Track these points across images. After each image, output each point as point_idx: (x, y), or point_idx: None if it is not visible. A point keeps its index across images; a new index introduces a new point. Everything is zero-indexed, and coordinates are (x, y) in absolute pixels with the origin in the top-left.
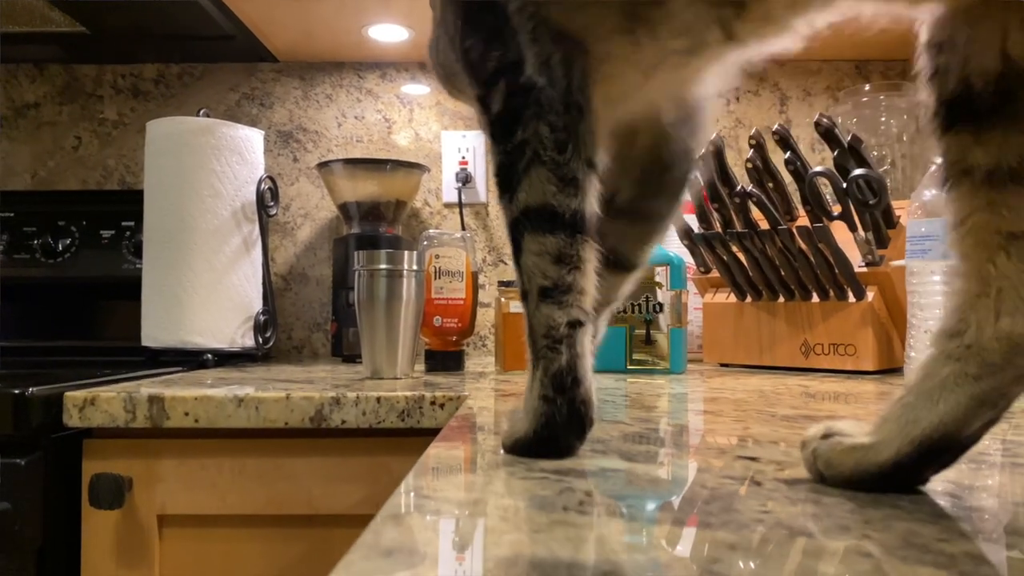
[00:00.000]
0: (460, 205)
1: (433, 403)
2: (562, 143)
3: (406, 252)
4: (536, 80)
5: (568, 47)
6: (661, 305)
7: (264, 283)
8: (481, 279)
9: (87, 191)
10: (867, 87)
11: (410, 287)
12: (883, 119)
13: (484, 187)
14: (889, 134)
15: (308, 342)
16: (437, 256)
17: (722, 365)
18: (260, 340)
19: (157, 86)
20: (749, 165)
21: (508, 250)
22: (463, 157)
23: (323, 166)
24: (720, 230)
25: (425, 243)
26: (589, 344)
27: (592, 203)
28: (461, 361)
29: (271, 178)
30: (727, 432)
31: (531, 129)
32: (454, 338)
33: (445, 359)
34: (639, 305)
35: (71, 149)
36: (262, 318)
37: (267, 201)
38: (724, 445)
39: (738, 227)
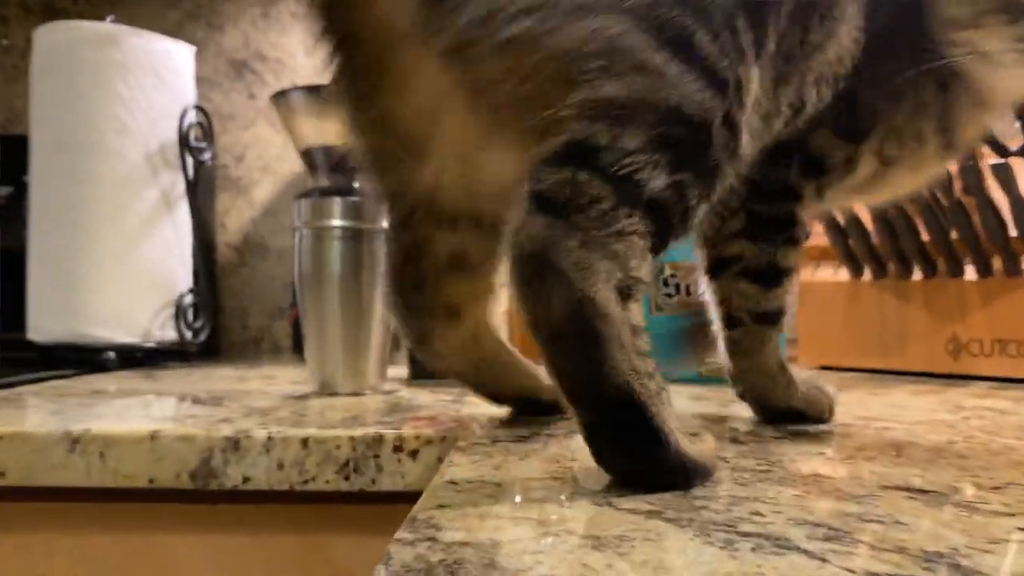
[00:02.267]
0: None
1: (398, 448)
2: None
3: (371, 204)
4: None
5: None
6: None
7: (195, 254)
8: None
9: None
10: None
11: (377, 255)
12: None
13: None
14: None
15: (268, 333)
16: None
17: (824, 368)
18: (186, 332)
19: (76, 3)
20: None
21: None
22: None
23: (279, 98)
24: None
25: None
26: None
27: None
28: None
29: (201, 109)
30: None
31: None
32: None
33: None
34: None
35: None
36: (189, 302)
37: (195, 140)
38: None
39: None
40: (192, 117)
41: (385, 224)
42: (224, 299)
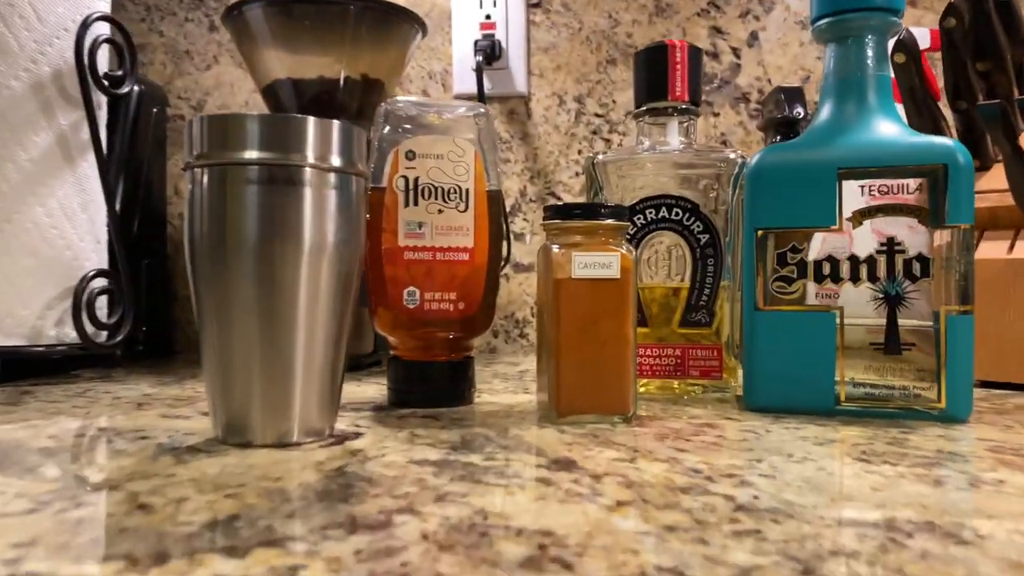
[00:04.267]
0: (481, 96)
1: None
2: None
3: (313, 123)
4: None
5: None
6: (925, 261)
7: (110, 224)
8: (518, 222)
9: None
10: None
11: (324, 211)
12: None
13: (523, 67)
14: None
15: None
16: (412, 154)
17: (983, 384)
18: (94, 330)
19: None
20: None
21: (566, 176)
22: (487, 17)
23: (233, 16)
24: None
25: (386, 125)
26: None
27: None
28: (465, 386)
29: (113, 20)
30: None
31: None
32: (451, 335)
33: (429, 380)
34: (867, 263)
35: None
36: (97, 287)
37: (103, 64)
38: None
39: None
40: (100, 31)
41: (338, 160)
42: (179, 286)
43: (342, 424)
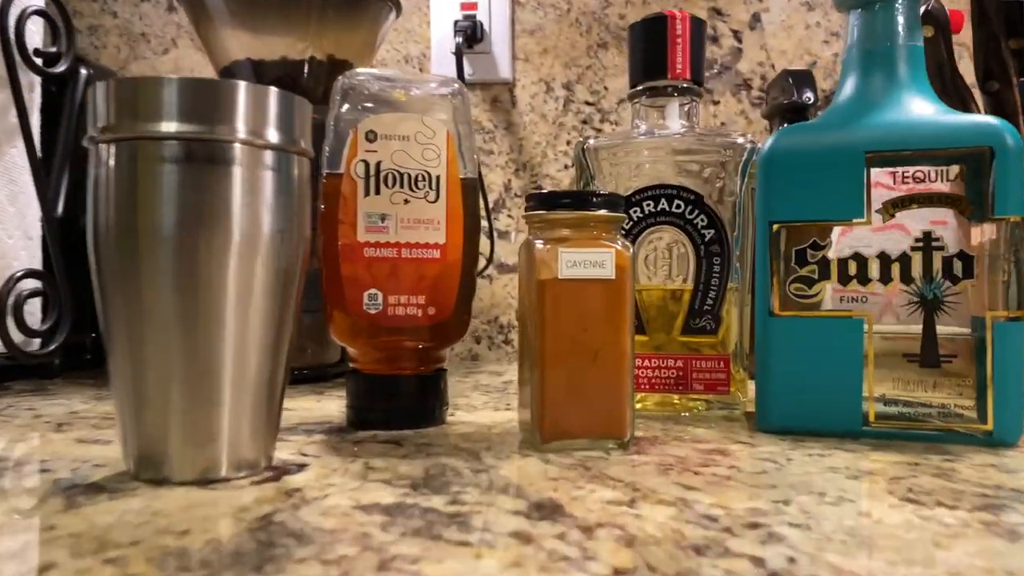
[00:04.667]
0: (461, 79)
1: None
2: None
3: (244, 89)
4: None
5: None
6: (968, 259)
7: (43, 218)
8: (502, 219)
9: None
10: None
11: (258, 195)
12: None
13: (507, 51)
14: None
15: None
16: (373, 134)
17: None
18: (23, 339)
19: None
20: None
21: (554, 169)
22: None
23: None
24: None
25: (344, 103)
26: None
27: None
28: (435, 404)
29: None
30: None
31: None
32: (419, 344)
33: (393, 398)
34: (900, 261)
35: None
36: (27, 289)
37: (36, 39)
38: None
39: None
40: (31, 2)
41: (275, 136)
42: None
43: (285, 452)
